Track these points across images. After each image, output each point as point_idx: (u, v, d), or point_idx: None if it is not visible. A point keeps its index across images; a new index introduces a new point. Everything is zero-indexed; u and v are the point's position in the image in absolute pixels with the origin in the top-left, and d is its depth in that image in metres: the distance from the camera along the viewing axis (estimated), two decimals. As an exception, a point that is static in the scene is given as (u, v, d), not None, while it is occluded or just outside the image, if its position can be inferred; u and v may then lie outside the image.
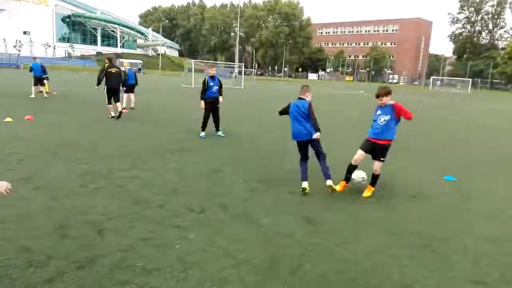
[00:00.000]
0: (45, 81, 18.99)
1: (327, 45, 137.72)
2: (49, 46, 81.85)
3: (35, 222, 4.31)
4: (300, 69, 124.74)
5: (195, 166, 7.17)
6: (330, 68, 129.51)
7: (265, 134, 11.50)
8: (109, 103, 12.71)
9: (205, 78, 10.10)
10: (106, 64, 12.55)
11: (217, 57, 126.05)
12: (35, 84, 17.89)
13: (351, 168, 6.08)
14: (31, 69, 18.41)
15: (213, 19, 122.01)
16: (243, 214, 4.93)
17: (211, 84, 9.98)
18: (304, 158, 6.05)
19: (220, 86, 10.23)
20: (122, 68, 14.79)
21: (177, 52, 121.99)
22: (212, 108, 10.13)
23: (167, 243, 3.96)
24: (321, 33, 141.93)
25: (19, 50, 72.26)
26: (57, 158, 7.18)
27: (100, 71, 12.48)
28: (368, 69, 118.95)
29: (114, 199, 5.15)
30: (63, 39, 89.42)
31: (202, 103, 10.08)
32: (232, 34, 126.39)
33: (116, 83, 12.66)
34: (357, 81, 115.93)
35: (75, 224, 4.29)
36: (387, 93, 5.76)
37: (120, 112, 12.43)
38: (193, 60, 37.77)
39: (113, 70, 12.60)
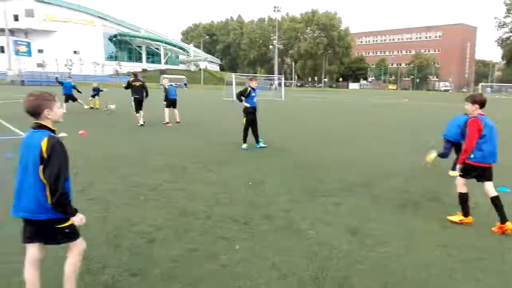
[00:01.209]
0: (96, 97, 20.38)
1: (368, 53, 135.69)
2: (98, 64, 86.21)
3: (90, 232, 4.53)
4: (340, 79, 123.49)
5: (238, 178, 7.27)
6: (372, 77, 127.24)
7: (306, 145, 11.46)
8: (137, 112, 14.47)
9: (248, 88, 10.27)
10: (131, 79, 14.58)
11: (256, 70, 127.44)
12: (66, 101, 18.53)
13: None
14: (61, 84, 19.06)
15: (252, 33, 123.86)
16: (288, 225, 4.94)
17: (253, 94, 10.18)
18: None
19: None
20: (162, 83, 15.73)
21: (218, 67, 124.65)
22: (252, 119, 10.29)
23: (214, 254, 4.05)
24: (361, 42, 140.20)
25: (70, 69, 76.56)
26: (108, 171, 7.54)
27: (126, 84, 14.60)
28: (412, 77, 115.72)
29: (163, 211, 5.33)
30: (110, 58, 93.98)
31: (246, 104, 10.20)
32: (270, 47, 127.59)
33: (139, 94, 14.42)
34: (401, 89, 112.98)
35: (127, 235, 4.48)
36: (472, 101, 4.87)
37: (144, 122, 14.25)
38: (233, 74, 38.44)
39: (137, 83, 14.55)
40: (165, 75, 75.83)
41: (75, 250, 2.86)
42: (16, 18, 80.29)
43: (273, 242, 4.37)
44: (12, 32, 69.78)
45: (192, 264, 3.80)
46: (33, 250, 2.81)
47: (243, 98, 10.18)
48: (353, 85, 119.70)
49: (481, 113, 4.90)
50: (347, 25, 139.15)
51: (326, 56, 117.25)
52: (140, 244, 4.25)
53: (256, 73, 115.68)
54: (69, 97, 18.86)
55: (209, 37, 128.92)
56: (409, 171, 8.27)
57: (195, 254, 4.01)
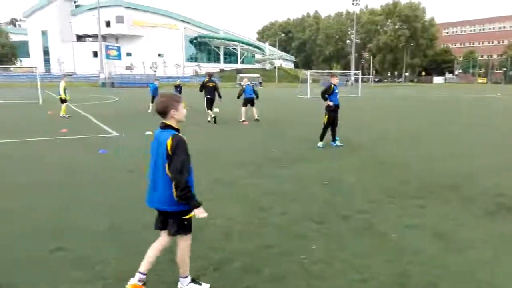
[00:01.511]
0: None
1: (455, 45, 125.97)
2: (179, 66, 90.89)
3: (172, 225, 4.76)
4: (423, 73, 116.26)
5: (313, 176, 7.16)
6: (459, 70, 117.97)
7: (384, 143, 10.95)
8: (208, 109, 15.43)
9: (331, 85, 10.09)
10: (206, 80, 15.65)
11: (332, 66, 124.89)
12: (152, 101, 19.68)
13: None
14: (149, 86, 20.79)
15: (328, 29, 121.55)
16: (366, 226, 4.73)
17: (336, 91, 10.03)
18: None
19: None
20: (242, 83, 16.37)
21: (293, 64, 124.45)
22: (334, 117, 10.10)
23: (290, 251, 4.01)
24: (447, 32, 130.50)
25: (155, 71, 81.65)
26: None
27: (201, 86, 15.73)
28: (504, 69, 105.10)
29: (239, 206, 5.43)
30: (191, 59, 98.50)
31: (329, 102, 10.05)
32: (347, 41, 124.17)
33: (211, 94, 15.36)
34: (492, 83, 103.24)
35: (206, 227, 4.62)
36: None
37: (215, 118, 15.02)
38: (308, 71, 38.06)
39: (210, 84, 15.51)
40: (241, 75, 77.83)
41: (183, 244, 3.18)
42: (108, 24, 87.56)
43: (352, 244, 4.22)
44: (104, 37, 76.20)
45: (269, 260, 3.80)
46: (162, 236, 3.21)
47: (326, 96, 10.03)
48: (437, 79, 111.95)
49: None
50: (432, 15, 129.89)
51: (407, 49, 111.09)
52: (218, 237, 4.36)
53: (331, 69, 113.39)
54: (154, 98, 20.07)
55: (284, 35, 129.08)
56: (503, 172, 7.50)
57: (271, 251, 4.01)
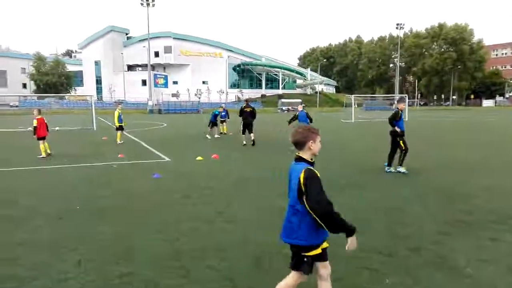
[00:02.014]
0: (224, 123, 21.84)
1: (505, 67, 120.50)
2: (223, 92, 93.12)
3: (234, 254, 4.71)
4: (472, 96, 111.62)
5: (375, 203, 6.91)
6: (510, 92, 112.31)
7: (444, 170, 10.44)
8: (243, 133, 16.13)
9: (398, 110, 9.96)
10: (244, 105, 16.58)
11: (375, 90, 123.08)
12: (210, 127, 20.66)
13: None
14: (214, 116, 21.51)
15: (371, 53, 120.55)
16: (438, 260, 4.44)
17: (402, 117, 9.91)
18: None
19: None
20: (298, 108, 16.58)
21: (334, 89, 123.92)
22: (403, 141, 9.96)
23: (360, 285, 3.82)
24: (496, 54, 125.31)
25: (199, 98, 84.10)
26: (243, 193, 7.85)
27: (240, 111, 16.49)
28: None
29: (299, 235, 5.29)
30: (233, 86, 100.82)
31: (397, 128, 9.91)
32: (391, 65, 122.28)
33: (248, 118, 16.12)
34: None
35: (271, 259, 4.52)
36: None
37: (253, 141, 15.85)
38: (352, 95, 37.69)
39: (248, 109, 16.30)
40: (283, 100, 78.30)
41: (324, 273, 3.13)
42: (156, 54, 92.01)
43: (427, 279, 3.96)
44: (153, 67, 79.97)
45: (339, 295, 3.64)
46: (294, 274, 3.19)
47: (394, 122, 9.88)
48: (487, 102, 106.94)
49: None
50: (481, 37, 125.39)
51: (455, 72, 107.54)
52: (285, 268, 4.23)
53: (374, 93, 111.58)
54: (213, 124, 20.91)
55: (326, 60, 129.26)
56: None
57: (343, 283, 3.84)
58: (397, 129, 9.86)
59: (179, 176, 9.66)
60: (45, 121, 13.51)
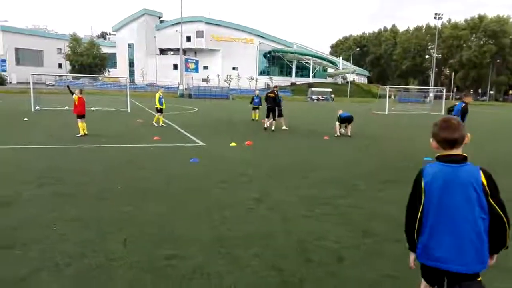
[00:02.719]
0: (257, 110, 21.91)
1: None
2: (252, 79, 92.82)
3: (277, 242, 4.66)
4: (510, 92, 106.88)
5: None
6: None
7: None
8: (267, 117, 16.87)
9: (466, 105, 9.61)
10: (269, 91, 17.64)
11: (408, 82, 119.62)
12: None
13: None
14: (252, 99, 22.67)
15: (406, 43, 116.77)
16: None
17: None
18: None
19: None
20: (339, 111, 16.06)
21: (366, 79, 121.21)
22: None
23: (415, 284, 3.67)
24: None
25: (229, 84, 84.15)
26: (278, 181, 7.77)
27: (265, 96, 17.47)
28: None
29: (343, 228, 5.18)
30: (263, 73, 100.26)
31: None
32: (426, 56, 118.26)
33: (271, 104, 16.67)
34: None
35: (314, 249, 4.44)
36: None
37: (274, 127, 16.60)
38: (387, 87, 36.69)
39: (271, 94, 16.98)
40: (313, 89, 77.38)
41: None
42: (188, 39, 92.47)
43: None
44: (184, 51, 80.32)
45: (391, 292, 3.52)
46: None
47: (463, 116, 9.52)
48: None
49: None
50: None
51: (493, 66, 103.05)
52: (330, 261, 4.15)
53: (408, 85, 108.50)
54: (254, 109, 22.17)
55: (359, 49, 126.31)
56: None
57: (395, 282, 3.72)
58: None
59: (215, 161, 9.67)
60: (84, 101, 13.83)
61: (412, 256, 2.50)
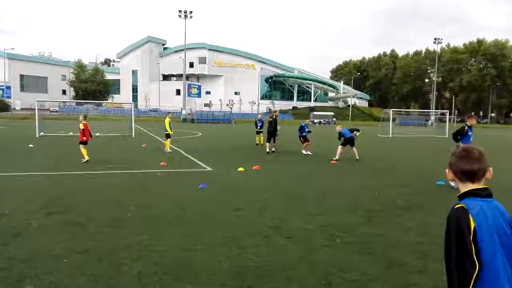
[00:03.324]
0: (261, 134, 21.66)
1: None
2: (254, 103, 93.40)
3: (301, 274, 4.42)
4: (511, 114, 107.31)
5: (439, 226, 6.44)
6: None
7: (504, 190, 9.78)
8: (268, 141, 17.49)
9: (465, 127, 9.63)
10: (270, 115, 18.65)
11: (409, 105, 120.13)
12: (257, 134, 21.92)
13: None
14: (255, 124, 22.48)
15: (406, 67, 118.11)
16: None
17: (469, 133, 9.49)
18: None
19: None
20: (337, 128, 16.14)
21: (367, 102, 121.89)
22: None
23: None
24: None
25: (231, 108, 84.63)
26: (290, 207, 7.55)
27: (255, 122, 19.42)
28: None
29: (367, 258, 4.95)
30: (265, 97, 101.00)
31: (461, 143, 9.53)
32: (426, 80, 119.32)
33: (272, 127, 17.48)
34: None
35: (341, 282, 4.21)
36: None
37: (275, 150, 17.50)
38: (390, 110, 36.76)
39: (270, 119, 17.89)
40: (315, 113, 77.76)
41: None
42: (191, 65, 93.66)
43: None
44: (187, 77, 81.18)
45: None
46: None
47: (459, 137, 9.48)
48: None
49: None
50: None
51: (494, 89, 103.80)
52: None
53: (408, 108, 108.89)
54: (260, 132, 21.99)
55: (359, 74, 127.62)
56: None
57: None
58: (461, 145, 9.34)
59: (225, 187, 9.48)
60: (88, 127, 13.75)
61: None
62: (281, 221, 6.54)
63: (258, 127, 22.34)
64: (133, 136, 25.87)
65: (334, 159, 14.85)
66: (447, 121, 37.68)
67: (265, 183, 10.24)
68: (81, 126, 13.42)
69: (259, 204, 7.71)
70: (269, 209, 7.36)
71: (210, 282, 4.14)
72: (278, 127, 18.14)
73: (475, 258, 1.81)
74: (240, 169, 12.21)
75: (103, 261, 4.65)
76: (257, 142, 22.06)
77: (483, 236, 1.84)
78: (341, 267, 4.62)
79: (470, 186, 2.00)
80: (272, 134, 17.54)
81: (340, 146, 15.23)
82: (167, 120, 17.55)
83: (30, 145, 18.19)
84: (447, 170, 2.10)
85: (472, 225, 1.85)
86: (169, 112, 21.02)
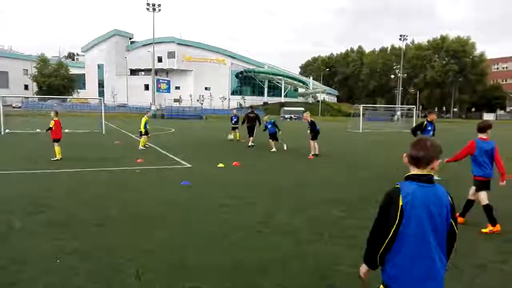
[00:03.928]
0: (236, 130, 21.69)
1: (505, 81, 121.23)
2: (225, 99, 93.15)
3: (294, 268, 4.53)
4: (473, 109, 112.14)
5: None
6: (511, 106, 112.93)
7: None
8: (250, 136, 18.66)
9: (424, 122, 9.99)
10: (249, 111, 19.79)
11: (376, 101, 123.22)
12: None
13: None
14: (231, 119, 22.60)
15: (372, 64, 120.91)
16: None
17: (429, 128, 9.85)
18: None
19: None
20: (308, 119, 15.88)
21: (336, 98, 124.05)
22: None
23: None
24: (497, 68, 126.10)
25: (202, 103, 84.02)
26: (275, 202, 7.65)
27: (244, 117, 19.54)
28: None
29: (357, 251, 5.10)
30: (235, 92, 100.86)
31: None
32: (392, 76, 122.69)
33: (252, 123, 18.91)
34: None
35: (334, 275, 4.35)
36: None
37: (253, 145, 18.33)
38: (361, 105, 37.65)
39: (251, 115, 19.32)
40: (285, 108, 78.40)
41: None
42: (159, 59, 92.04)
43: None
44: (155, 72, 79.78)
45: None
46: None
47: (418, 132, 9.83)
48: (487, 116, 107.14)
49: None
50: (483, 49, 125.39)
51: (456, 85, 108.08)
52: None
53: (375, 104, 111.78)
54: (233, 129, 22.16)
55: (328, 70, 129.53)
56: None
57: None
58: None
59: (207, 184, 9.48)
60: (61, 124, 13.32)
61: (365, 269, 2.45)
62: (268, 216, 6.64)
63: (233, 123, 22.32)
64: (104, 132, 25.25)
65: (313, 154, 15.05)
66: (414, 116, 38.97)
67: (248, 179, 10.30)
68: (51, 124, 12.96)
69: (245, 200, 7.76)
70: (256, 205, 7.44)
71: (210, 277, 4.18)
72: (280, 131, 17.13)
73: (391, 229, 2.21)
74: (220, 165, 12.20)
75: (97, 260, 4.58)
76: (231, 138, 22.08)
77: (409, 214, 2.19)
78: (333, 260, 4.76)
79: (414, 171, 2.30)
80: (250, 129, 18.87)
81: (311, 141, 15.36)
82: (143, 119, 17.17)
83: (-4, 143, 17.43)
84: (404, 154, 2.37)
85: (400, 203, 2.20)
86: (147, 111, 20.55)
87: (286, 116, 73.28)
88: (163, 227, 5.93)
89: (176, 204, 7.34)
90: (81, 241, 5.23)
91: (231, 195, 8.17)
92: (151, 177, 10.35)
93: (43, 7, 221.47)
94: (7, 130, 23.82)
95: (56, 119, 13.14)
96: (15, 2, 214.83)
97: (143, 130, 16.86)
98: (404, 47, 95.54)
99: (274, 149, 16.49)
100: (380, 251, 2.27)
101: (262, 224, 6.19)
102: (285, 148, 16.91)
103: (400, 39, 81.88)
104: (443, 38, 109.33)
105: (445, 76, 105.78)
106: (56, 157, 12.71)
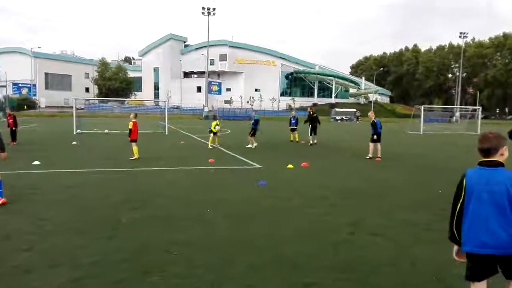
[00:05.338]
0: (295, 131, 21.81)
1: None
2: (275, 100, 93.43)
3: (404, 269, 4.51)
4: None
5: None
6: None
7: None
8: (310, 135, 20.28)
9: None
10: (311, 112, 21.17)
11: (432, 101, 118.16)
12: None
13: None
14: (290, 121, 22.80)
15: (429, 62, 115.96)
16: None
17: None
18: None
19: None
20: (372, 118, 15.61)
21: (388, 98, 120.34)
22: None
23: None
24: None
25: (252, 105, 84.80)
26: (359, 203, 7.61)
27: (307, 118, 21.04)
28: None
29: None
30: (285, 94, 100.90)
31: None
32: (450, 75, 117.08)
33: (315, 122, 20.29)
34: None
35: (453, 278, 4.28)
36: None
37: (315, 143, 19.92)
38: (422, 106, 36.27)
39: (314, 115, 20.65)
40: (336, 109, 77.17)
41: None
42: (211, 62, 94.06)
43: None
44: (208, 74, 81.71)
45: None
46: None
47: None
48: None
49: None
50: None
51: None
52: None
53: (431, 104, 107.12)
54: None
55: (381, 69, 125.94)
56: None
57: None
58: None
59: (283, 184, 9.60)
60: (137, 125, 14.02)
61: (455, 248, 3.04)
62: (356, 217, 6.62)
63: (292, 125, 22.34)
64: (167, 133, 26.24)
65: (375, 156, 14.71)
66: (479, 118, 36.95)
67: (322, 180, 10.34)
68: (130, 125, 13.67)
69: (326, 201, 7.80)
70: (338, 206, 7.45)
71: (326, 275, 4.27)
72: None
73: (458, 202, 2.88)
74: (290, 166, 12.30)
75: (213, 252, 4.83)
76: (291, 139, 22.12)
77: (468, 191, 2.81)
78: (444, 263, 4.67)
79: (481, 159, 2.83)
80: (314, 129, 20.23)
81: (371, 144, 15.02)
82: (213, 123, 18.29)
83: (74, 143, 18.70)
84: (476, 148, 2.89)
85: (464, 183, 2.85)
86: (220, 116, 22.28)
87: (337, 117, 71.81)
88: (260, 224, 6.12)
89: (260, 204, 7.48)
90: (189, 234, 5.52)
91: (312, 196, 8.24)
92: (227, 176, 10.65)
93: (102, 14, 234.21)
94: (78, 131, 25.44)
95: (135, 120, 13.84)
96: (76, 8, 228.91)
97: (214, 129, 17.85)
98: (463, 45, 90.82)
99: (250, 145, 18.09)
100: (454, 224, 2.89)
101: (354, 226, 6.18)
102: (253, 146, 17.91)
103: (460, 36, 77.98)
104: (506, 36, 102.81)
105: (508, 75, 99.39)
106: (134, 156, 13.43)
